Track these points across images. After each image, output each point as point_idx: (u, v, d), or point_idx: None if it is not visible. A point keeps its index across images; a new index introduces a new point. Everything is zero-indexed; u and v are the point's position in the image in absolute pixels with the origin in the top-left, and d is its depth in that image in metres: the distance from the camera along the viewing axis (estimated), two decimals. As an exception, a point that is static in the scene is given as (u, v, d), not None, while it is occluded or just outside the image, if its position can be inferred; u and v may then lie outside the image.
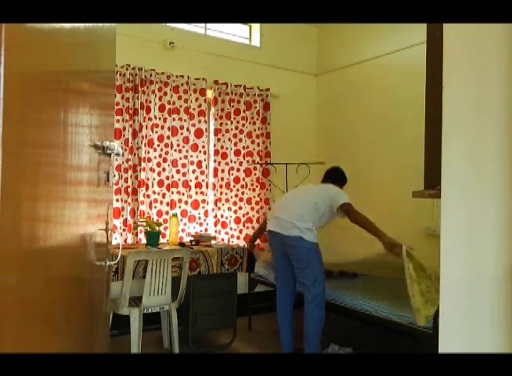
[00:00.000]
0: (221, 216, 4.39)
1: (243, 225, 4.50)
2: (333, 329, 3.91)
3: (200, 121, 4.24)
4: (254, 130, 4.57)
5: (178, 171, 4.14)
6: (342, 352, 3.12)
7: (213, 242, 3.86)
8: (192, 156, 4.21)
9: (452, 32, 1.00)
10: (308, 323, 3.01)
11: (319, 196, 3.22)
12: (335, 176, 3.53)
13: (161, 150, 4.04)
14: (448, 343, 0.99)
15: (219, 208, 4.38)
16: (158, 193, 4.03)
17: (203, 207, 4.28)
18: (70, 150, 1.06)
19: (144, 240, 3.74)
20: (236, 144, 4.46)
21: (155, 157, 4.02)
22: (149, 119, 3.98)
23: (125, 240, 3.88)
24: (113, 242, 3.51)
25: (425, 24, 1.26)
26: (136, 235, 3.91)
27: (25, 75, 0.74)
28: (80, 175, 1.20)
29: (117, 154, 1.54)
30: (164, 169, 4.05)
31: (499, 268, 0.91)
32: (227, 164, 4.41)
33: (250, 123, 4.55)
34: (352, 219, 3.10)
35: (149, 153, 3.98)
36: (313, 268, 3.04)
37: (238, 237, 4.48)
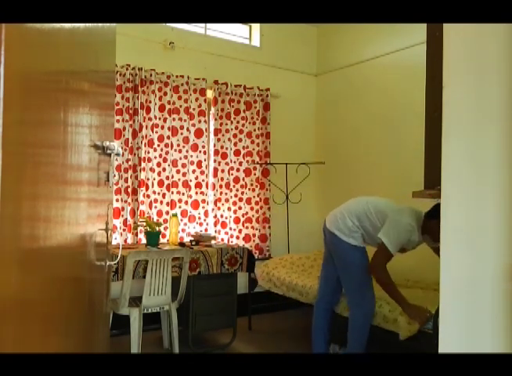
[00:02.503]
0: (221, 216, 4.39)
1: (243, 225, 4.50)
2: (333, 329, 3.91)
3: (200, 121, 4.24)
4: (254, 130, 4.58)
5: (178, 171, 4.14)
6: (342, 352, 3.12)
7: (213, 242, 3.86)
8: (192, 156, 4.21)
9: (452, 32, 1.00)
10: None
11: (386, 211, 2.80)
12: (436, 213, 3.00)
13: (161, 149, 4.04)
14: (448, 343, 0.99)
15: (219, 208, 4.38)
16: (158, 193, 4.03)
17: (203, 207, 4.29)
18: (70, 150, 1.05)
19: (144, 240, 3.74)
20: (235, 144, 4.46)
21: (155, 157, 4.02)
22: (149, 119, 3.98)
23: (125, 240, 3.88)
24: (113, 242, 3.51)
25: (425, 24, 1.26)
26: (136, 235, 3.91)
27: (25, 75, 0.74)
28: (80, 175, 1.20)
29: (117, 154, 1.54)
30: (164, 169, 4.05)
31: (499, 268, 0.91)
32: (227, 164, 4.42)
33: (250, 123, 4.55)
34: (372, 266, 2.76)
35: (149, 153, 3.98)
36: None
37: (238, 237, 4.48)
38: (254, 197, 4.56)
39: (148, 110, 3.97)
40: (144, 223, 3.66)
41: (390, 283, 2.69)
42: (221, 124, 4.38)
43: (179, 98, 4.14)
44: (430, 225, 2.66)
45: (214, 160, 4.38)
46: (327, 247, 3.05)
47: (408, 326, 2.68)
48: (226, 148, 4.41)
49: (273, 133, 4.68)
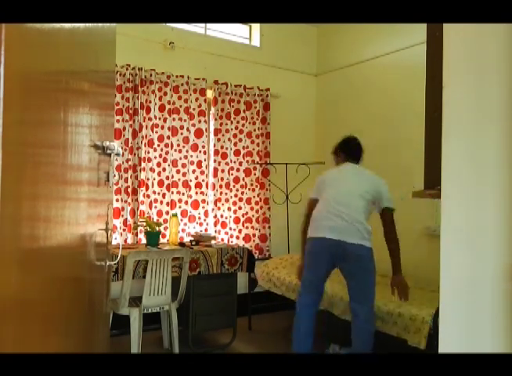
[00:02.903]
0: (221, 216, 4.39)
1: (243, 225, 4.50)
2: (333, 329, 3.91)
3: (200, 121, 4.24)
4: (254, 130, 4.58)
5: (178, 171, 4.14)
6: (342, 352, 3.12)
7: (213, 242, 3.86)
8: (192, 156, 4.21)
9: (452, 32, 1.00)
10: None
11: (369, 187, 2.92)
12: (360, 151, 3.15)
13: (161, 150, 4.04)
14: (448, 343, 0.99)
15: (219, 208, 4.38)
16: (158, 193, 4.03)
17: (203, 207, 4.29)
18: (70, 150, 1.05)
19: (144, 240, 3.74)
20: (235, 144, 4.46)
21: (155, 157, 4.02)
22: (149, 119, 3.99)
23: (125, 240, 3.88)
24: (113, 242, 3.51)
25: (425, 24, 1.26)
26: (136, 235, 3.91)
27: (25, 75, 0.74)
28: (80, 175, 1.20)
29: (117, 154, 1.54)
30: (164, 169, 4.05)
31: (499, 268, 0.91)
32: (227, 164, 4.42)
33: (250, 123, 4.55)
34: (386, 231, 2.89)
35: (149, 153, 3.98)
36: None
37: (238, 237, 4.48)
38: (254, 197, 4.56)
39: (148, 110, 3.97)
40: (144, 223, 3.66)
41: (399, 247, 2.86)
42: (221, 124, 4.38)
43: (179, 98, 4.14)
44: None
45: (214, 160, 4.38)
46: (333, 259, 2.86)
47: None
48: (226, 148, 4.41)
49: (273, 133, 4.68)
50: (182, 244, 3.67)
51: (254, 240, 4.55)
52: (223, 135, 4.40)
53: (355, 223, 2.78)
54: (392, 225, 2.88)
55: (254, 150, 4.57)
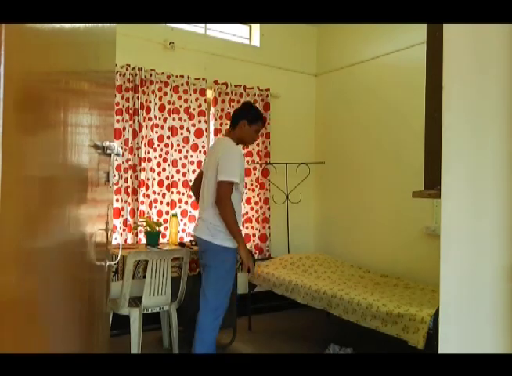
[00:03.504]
0: (221, 216, 4.39)
1: (243, 226, 4.50)
2: (333, 329, 3.91)
3: (200, 121, 4.24)
4: (254, 130, 4.57)
5: (178, 171, 4.14)
6: (342, 352, 3.12)
7: (213, 242, 3.85)
8: (192, 156, 4.21)
9: (452, 32, 1.00)
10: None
11: (215, 162, 2.67)
12: (242, 114, 2.82)
13: (161, 150, 4.04)
14: (448, 343, 0.99)
15: (219, 208, 4.38)
16: (158, 193, 4.03)
17: (203, 207, 4.28)
18: (70, 150, 1.05)
19: (144, 240, 3.74)
20: (235, 144, 4.45)
21: (155, 157, 4.02)
22: (149, 119, 3.98)
23: (125, 240, 3.88)
24: (113, 242, 3.51)
25: (425, 24, 1.26)
26: (136, 235, 3.91)
27: (25, 75, 0.74)
28: (80, 175, 1.20)
29: (117, 154, 1.54)
30: (164, 169, 4.05)
31: (499, 268, 0.91)
32: (227, 164, 4.41)
33: (250, 123, 4.54)
34: (217, 206, 2.62)
35: (149, 153, 3.98)
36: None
37: (238, 237, 4.47)
38: (253, 197, 4.56)
39: (148, 110, 3.97)
40: (144, 223, 3.66)
41: (234, 221, 2.62)
42: (221, 124, 4.38)
43: (179, 98, 4.14)
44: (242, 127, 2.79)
45: (214, 160, 4.38)
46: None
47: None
48: (226, 148, 4.41)
49: (273, 133, 4.68)
50: (181, 244, 3.67)
51: (253, 240, 4.55)
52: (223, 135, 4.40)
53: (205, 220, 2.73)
54: (222, 201, 2.60)
55: (254, 150, 4.57)
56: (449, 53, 1.00)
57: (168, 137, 4.07)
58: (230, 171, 2.61)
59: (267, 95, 4.62)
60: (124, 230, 3.87)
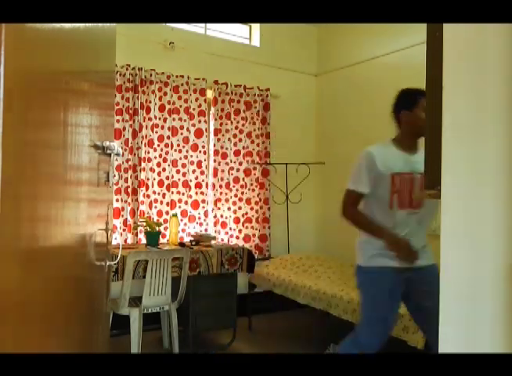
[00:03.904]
0: (221, 216, 4.39)
1: (243, 226, 4.50)
2: (333, 329, 3.91)
3: (199, 121, 4.24)
4: (254, 130, 4.57)
5: (178, 171, 4.14)
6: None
7: (213, 242, 3.86)
8: (192, 156, 4.21)
9: (452, 32, 1.00)
10: None
11: None
12: (398, 107, 2.38)
13: (161, 150, 4.04)
14: (448, 343, 0.99)
15: (219, 208, 4.38)
16: (158, 193, 4.03)
17: (203, 207, 4.29)
18: (70, 150, 1.05)
19: (144, 240, 3.74)
20: (235, 144, 4.46)
21: (155, 157, 4.02)
22: (149, 119, 3.99)
23: (125, 240, 3.88)
24: (113, 242, 3.51)
25: (425, 24, 1.26)
26: (136, 235, 3.91)
27: (25, 75, 0.74)
28: (80, 175, 1.20)
29: (117, 154, 1.54)
30: (164, 169, 4.05)
31: (499, 268, 0.91)
32: (227, 164, 4.42)
33: (249, 123, 4.55)
34: (343, 214, 2.45)
35: (149, 153, 3.98)
36: None
37: (238, 237, 4.48)
38: (253, 197, 4.56)
39: (148, 110, 3.97)
40: (144, 223, 3.66)
41: (368, 222, 2.41)
42: (221, 124, 4.38)
43: (179, 98, 4.14)
44: (405, 119, 2.35)
45: (214, 161, 4.38)
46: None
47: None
48: (226, 148, 4.41)
49: (273, 133, 4.68)
50: (181, 244, 3.67)
51: (253, 240, 4.55)
52: (223, 135, 4.40)
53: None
54: (350, 208, 2.49)
55: (253, 150, 4.57)
56: (449, 53, 1.00)
57: (168, 137, 4.07)
58: (352, 178, 2.50)
59: (267, 95, 4.62)
60: (124, 230, 3.87)
